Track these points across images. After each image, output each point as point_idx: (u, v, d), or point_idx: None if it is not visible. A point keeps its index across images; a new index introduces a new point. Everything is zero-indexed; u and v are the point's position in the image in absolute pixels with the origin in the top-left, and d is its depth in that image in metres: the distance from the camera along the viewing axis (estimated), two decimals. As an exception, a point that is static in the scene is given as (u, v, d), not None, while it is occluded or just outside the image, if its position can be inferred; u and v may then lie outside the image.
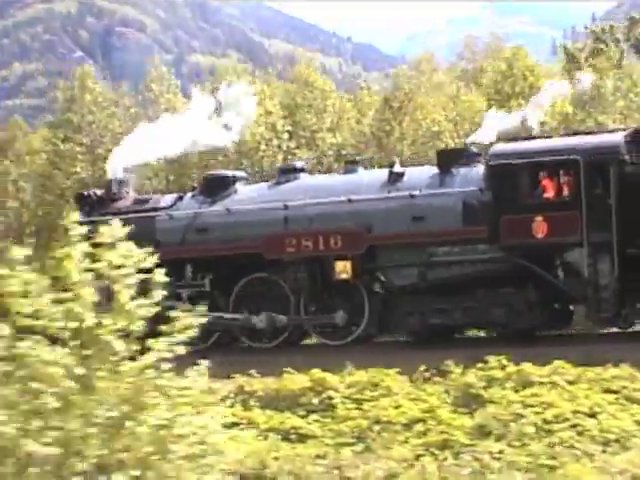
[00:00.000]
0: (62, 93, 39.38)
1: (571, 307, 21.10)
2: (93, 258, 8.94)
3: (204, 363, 9.36)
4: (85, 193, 23.50)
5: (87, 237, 9.01)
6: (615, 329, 20.56)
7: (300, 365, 17.89)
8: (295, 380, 17.41)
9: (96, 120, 37.71)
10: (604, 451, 14.12)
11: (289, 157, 34.06)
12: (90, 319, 8.66)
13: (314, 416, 16.38)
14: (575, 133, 22.85)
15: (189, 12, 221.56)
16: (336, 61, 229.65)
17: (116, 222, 9.20)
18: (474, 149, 21.45)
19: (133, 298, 8.86)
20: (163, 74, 38.76)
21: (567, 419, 15.02)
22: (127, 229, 9.13)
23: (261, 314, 21.31)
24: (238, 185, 22.55)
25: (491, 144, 21.16)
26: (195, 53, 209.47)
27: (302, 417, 16.34)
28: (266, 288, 21.55)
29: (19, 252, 8.78)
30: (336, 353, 19.67)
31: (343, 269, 20.68)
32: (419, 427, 15.44)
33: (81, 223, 9.18)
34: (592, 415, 15.10)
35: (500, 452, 14.28)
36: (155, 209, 22.50)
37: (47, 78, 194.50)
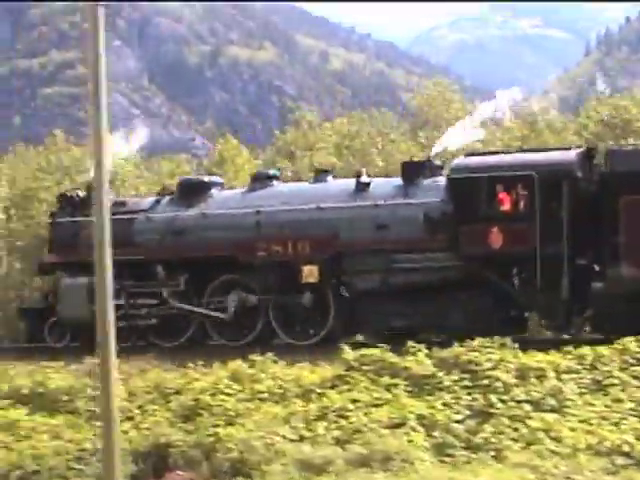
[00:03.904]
0: None
1: (526, 314, 21.96)
2: None
3: None
4: (68, 194, 24.61)
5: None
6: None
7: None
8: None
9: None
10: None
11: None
12: None
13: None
14: (533, 150, 23.77)
15: (226, 5, 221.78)
16: (361, 57, 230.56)
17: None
18: (437, 162, 22.43)
19: None
20: None
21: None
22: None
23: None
24: (213, 190, 23.63)
25: (453, 157, 22.09)
26: (232, 45, 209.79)
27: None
28: (238, 289, 22.58)
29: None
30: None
31: (310, 273, 21.72)
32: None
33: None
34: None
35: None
36: (134, 211, 23.66)
37: (85, 67, 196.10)
